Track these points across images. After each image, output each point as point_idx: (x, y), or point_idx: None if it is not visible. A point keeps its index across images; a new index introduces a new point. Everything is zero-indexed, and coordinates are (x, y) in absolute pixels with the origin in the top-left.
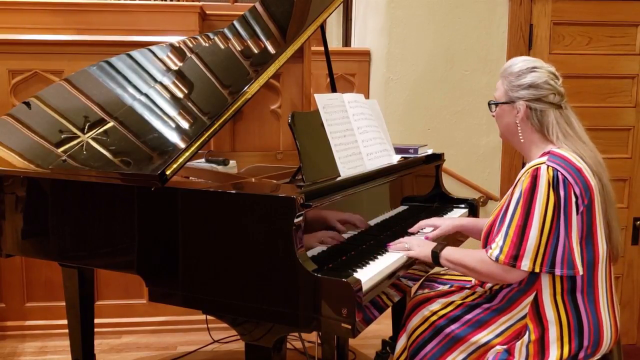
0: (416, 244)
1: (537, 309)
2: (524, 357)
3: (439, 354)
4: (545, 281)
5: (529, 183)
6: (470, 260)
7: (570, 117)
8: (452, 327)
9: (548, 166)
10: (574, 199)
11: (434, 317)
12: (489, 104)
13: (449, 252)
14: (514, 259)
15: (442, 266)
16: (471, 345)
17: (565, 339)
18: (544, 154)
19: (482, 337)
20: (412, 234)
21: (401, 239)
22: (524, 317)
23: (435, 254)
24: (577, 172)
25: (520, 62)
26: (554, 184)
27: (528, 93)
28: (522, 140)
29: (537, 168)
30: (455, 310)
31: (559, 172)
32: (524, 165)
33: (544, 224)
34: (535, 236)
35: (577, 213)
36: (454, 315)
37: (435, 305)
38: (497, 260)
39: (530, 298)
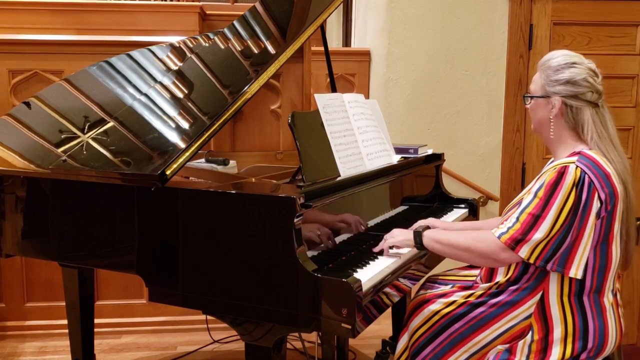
0: (396, 232)
1: (543, 309)
2: (525, 355)
3: (441, 354)
4: (553, 281)
5: (554, 177)
6: (462, 238)
7: (605, 117)
8: (456, 326)
9: (577, 166)
10: (597, 204)
11: (437, 317)
12: (524, 97)
13: (434, 232)
14: (516, 242)
15: (426, 249)
16: (474, 345)
17: (569, 340)
18: (573, 154)
19: (485, 336)
20: None
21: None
22: (528, 317)
23: (418, 234)
24: (605, 178)
25: (560, 57)
26: (578, 184)
27: (565, 89)
28: (552, 137)
29: (566, 166)
30: (458, 309)
31: (586, 175)
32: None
33: (557, 220)
34: (545, 230)
35: (598, 218)
36: (457, 314)
37: (437, 305)
38: (499, 237)
39: (537, 297)
